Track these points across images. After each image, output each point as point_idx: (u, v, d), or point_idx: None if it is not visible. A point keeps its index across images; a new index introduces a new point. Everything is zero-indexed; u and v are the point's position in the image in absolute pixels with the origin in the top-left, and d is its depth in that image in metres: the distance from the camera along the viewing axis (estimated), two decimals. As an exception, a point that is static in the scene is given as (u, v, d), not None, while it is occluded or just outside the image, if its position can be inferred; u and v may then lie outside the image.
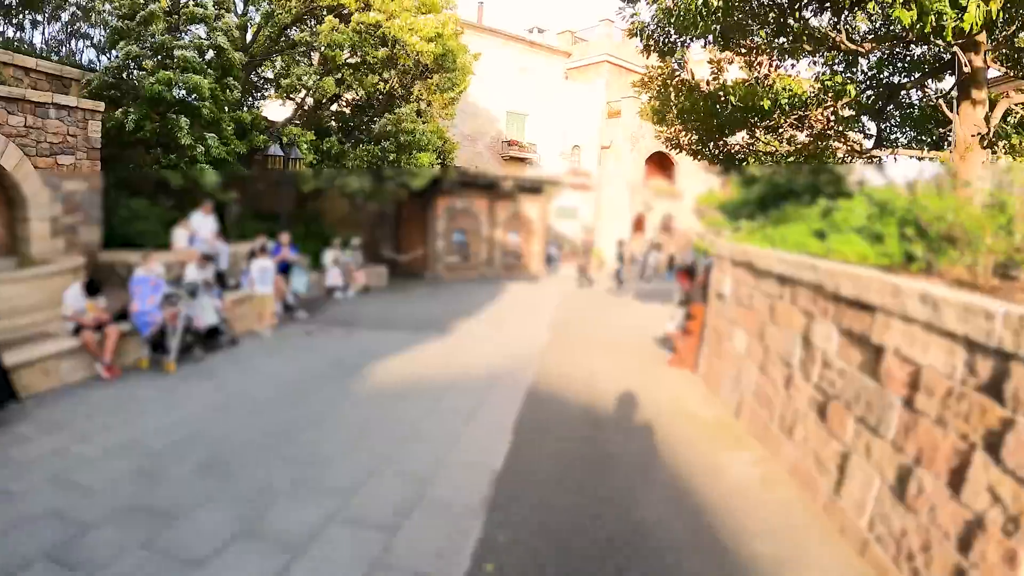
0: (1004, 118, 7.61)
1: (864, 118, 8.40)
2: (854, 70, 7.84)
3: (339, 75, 15.05)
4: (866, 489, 3.62)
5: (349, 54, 14.82)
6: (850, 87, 6.76)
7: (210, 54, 12.51)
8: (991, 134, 6.50)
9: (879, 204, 4.77)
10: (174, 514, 3.85)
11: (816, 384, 4.38)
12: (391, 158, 15.02)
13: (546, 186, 21.10)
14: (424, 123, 15.30)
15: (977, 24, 5.09)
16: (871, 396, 3.70)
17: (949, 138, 7.47)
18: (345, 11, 14.45)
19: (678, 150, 9.42)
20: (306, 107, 16.58)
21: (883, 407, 3.58)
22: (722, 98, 7.52)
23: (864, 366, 3.81)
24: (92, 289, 6.99)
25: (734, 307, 6.36)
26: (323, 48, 14.42)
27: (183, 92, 11.50)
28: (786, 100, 7.06)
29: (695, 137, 8.64)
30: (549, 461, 4.93)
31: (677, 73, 7.87)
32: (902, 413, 3.38)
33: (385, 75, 15.19)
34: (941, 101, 6.98)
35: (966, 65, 6.01)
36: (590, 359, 8.58)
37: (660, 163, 29.47)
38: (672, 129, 8.77)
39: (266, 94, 16.17)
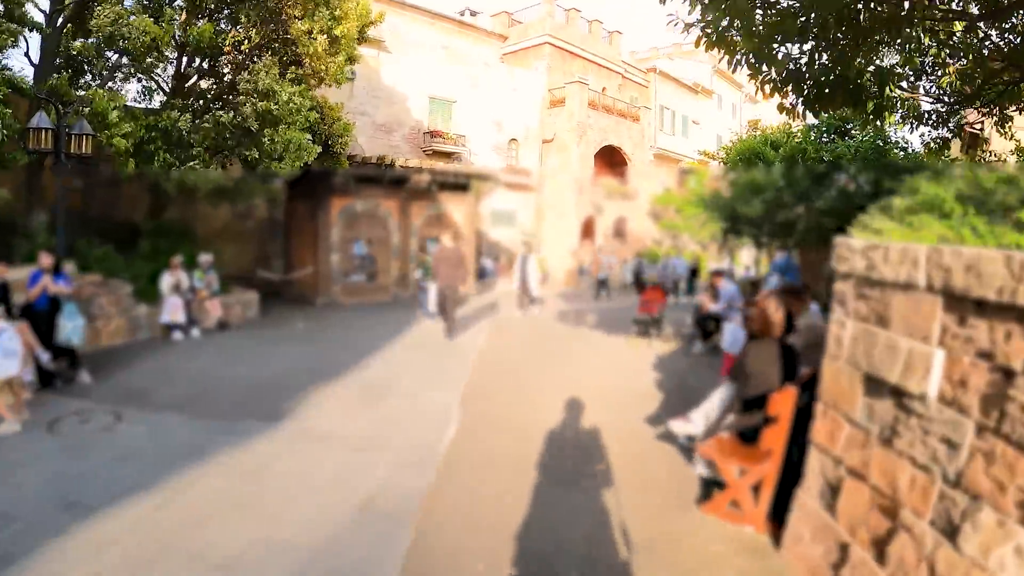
0: None
1: None
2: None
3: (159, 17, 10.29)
4: None
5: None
6: None
7: None
8: None
9: None
10: None
11: None
12: (253, 128, 10.37)
13: (474, 182, 16.61)
14: (292, 85, 10.64)
15: None
16: None
17: None
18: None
19: (749, 70, 5.13)
20: (148, 70, 11.71)
21: None
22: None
23: None
24: None
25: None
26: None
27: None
28: None
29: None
30: None
31: None
32: None
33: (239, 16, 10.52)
34: None
35: None
36: (530, 493, 4.10)
37: (610, 158, 25.53)
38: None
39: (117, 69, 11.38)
